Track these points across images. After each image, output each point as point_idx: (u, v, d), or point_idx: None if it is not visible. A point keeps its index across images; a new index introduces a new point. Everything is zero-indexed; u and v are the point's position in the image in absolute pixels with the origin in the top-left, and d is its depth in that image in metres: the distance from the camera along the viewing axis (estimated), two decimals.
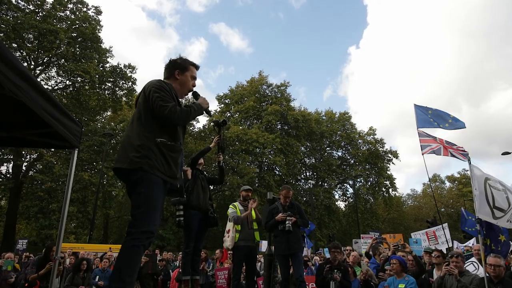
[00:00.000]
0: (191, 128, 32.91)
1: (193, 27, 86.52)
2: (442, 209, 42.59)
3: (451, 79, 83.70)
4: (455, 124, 8.68)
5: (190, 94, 2.91)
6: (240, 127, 33.47)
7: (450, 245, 10.34)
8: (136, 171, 2.29)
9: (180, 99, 2.77)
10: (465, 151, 8.10)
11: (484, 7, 77.25)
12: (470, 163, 4.62)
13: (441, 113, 8.93)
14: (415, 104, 9.35)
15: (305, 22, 78.62)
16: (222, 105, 38.02)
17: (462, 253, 5.87)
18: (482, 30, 75.47)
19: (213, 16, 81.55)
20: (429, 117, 8.96)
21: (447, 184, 50.16)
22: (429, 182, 34.90)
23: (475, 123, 74.47)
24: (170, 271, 10.11)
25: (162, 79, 2.70)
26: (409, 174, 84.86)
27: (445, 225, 11.18)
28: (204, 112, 2.77)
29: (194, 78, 2.83)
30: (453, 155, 8.19)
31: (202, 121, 47.79)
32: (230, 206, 5.80)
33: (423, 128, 9.01)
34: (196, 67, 2.85)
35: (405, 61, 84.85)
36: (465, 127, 8.72)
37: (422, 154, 8.72)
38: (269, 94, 37.59)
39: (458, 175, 47.18)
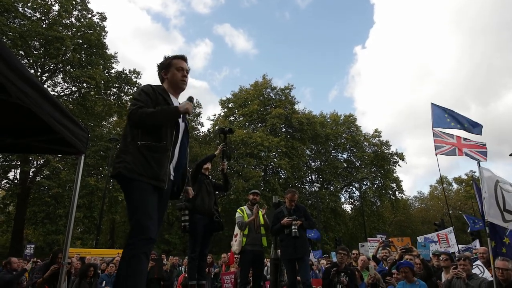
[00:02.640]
0: (195, 133, 33.00)
1: (198, 28, 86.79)
2: (450, 211, 42.11)
3: (459, 78, 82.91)
4: (472, 129, 8.51)
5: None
6: (245, 131, 33.49)
7: (458, 248, 10.21)
8: (119, 177, 2.31)
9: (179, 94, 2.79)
10: (484, 147, 7.95)
11: (493, 4, 76.37)
12: (479, 166, 4.56)
13: (459, 116, 8.75)
14: (432, 103, 9.16)
15: (311, 21, 78.48)
16: (226, 109, 38.10)
17: (470, 256, 5.79)
18: (492, 27, 74.58)
19: (218, 17, 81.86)
20: (446, 116, 8.81)
21: (455, 186, 49.73)
22: (436, 184, 34.68)
23: (484, 122, 72.32)
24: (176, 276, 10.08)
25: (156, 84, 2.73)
26: (417, 176, 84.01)
27: (451, 229, 11.07)
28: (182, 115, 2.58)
29: (181, 69, 2.71)
30: (468, 155, 8.07)
31: (206, 125, 47.81)
32: (238, 210, 5.79)
33: (439, 128, 8.88)
34: (180, 57, 2.76)
35: (412, 60, 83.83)
36: (481, 134, 8.51)
37: (436, 155, 8.60)
38: (273, 97, 37.61)
39: (466, 177, 46.75)
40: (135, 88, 26.48)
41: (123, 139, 2.44)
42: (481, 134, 8.54)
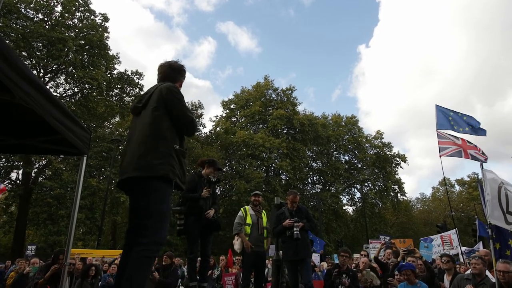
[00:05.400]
0: (197, 134, 32.98)
1: (201, 26, 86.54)
2: (453, 213, 41.93)
3: (465, 77, 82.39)
4: (475, 131, 8.48)
5: None
6: (246, 132, 33.52)
7: (461, 249, 10.18)
8: (161, 179, 2.27)
9: None
10: (484, 155, 7.95)
11: (498, 2, 76.04)
12: (482, 167, 4.55)
13: (461, 119, 8.71)
14: (436, 105, 9.11)
15: (316, 20, 78.26)
16: (227, 111, 38.15)
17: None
18: (497, 25, 74.19)
19: (221, 15, 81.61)
20: (449, 119, 8.78)
21: (457, 187, 49.53)
22: (438, 186, 34.54)
23: (489, 123, 72.55)
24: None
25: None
26: (421, 177, 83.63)
27: (454, 230, 11.05)
28: None
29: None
30: (474, 157, 8.04)
31: (208, 126, 47.92)
32: (241, 209, 5.79)
33: (443, 130, 8.84)
34: None
35: (417, 59, 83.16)
36: (485, 135, 8.51)
37: (440, 156, 8.56)
38: (275, 98, 37.64)
39: (468, 179, 46.57)
40: (137, 89, 26.53)
41: (161, 138, 2.36)
42: (485, 135, 8.51)
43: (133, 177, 2.29)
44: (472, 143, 8.38)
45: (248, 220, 5.62)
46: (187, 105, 2.58)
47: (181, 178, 2.42)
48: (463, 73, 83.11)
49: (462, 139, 8.47)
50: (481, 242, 12.16)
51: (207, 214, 4.80)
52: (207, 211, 4.85)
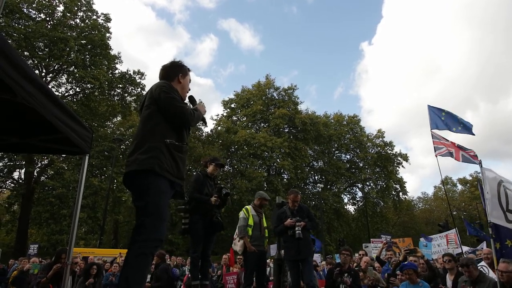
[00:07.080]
0: (198, 133, 33.05)
1: (203, 23, 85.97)
2: (454, 212, 41.87)
3: (467, 76, 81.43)
4: (465, 130, 8.53)
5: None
6: (248, 131, 33.52)
7: (462, 249, 10.16)
8: (146, 174, 2.26)
9: None
10: (475, 157, 7.94)
11: (501, 0, 75.40)
12: (481, 166, 4.53)
13: (453, 118, 8.76)
14: (428, 105, 9.19)
15: (318, 16, 77.34)
16: (228, 110, 38.15)
17: (474, 258, 5.74)
18: (500, 24, 73.46)
19: (223, 12, 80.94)
20: (442, 119, 8.81)
21: (459, 186, 49.43)
22: (440, 185, 34.44)
23: (493, 121, 72.07)
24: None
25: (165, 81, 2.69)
26: (424, 176, 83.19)
27: (453, 231, 11.05)
28: (201, 120, 2.77)
29: (190, 82, 2.88)
30: (465, 159, 8.03)
31: (209, 125, 47.93)
32: (243, 210, 5.75)
33: (436, 130, 8.88)
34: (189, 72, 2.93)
35: (420, 57, 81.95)
36: (474, 135, 8.57)
37: (436, 156, 8.58)
38: (277, 97, 37.63)
39: (470, 178, 46.48)
40: (139, 89, 26.58)
41: (150, 134, 2.38)
42: (473, 134, 8.55)
43: (127, 173, 2.34)
44: (462, 146, 8.37)
45: (250, 221, 5.59)
46: (178, 97, 2.53)
47: (174, 172, 2.37)
48: (466, 71, 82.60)
49: (453, 143, 8.49)
50: (484, 242, 12.16)
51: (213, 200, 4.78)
52: (210, 210, 4.85)
